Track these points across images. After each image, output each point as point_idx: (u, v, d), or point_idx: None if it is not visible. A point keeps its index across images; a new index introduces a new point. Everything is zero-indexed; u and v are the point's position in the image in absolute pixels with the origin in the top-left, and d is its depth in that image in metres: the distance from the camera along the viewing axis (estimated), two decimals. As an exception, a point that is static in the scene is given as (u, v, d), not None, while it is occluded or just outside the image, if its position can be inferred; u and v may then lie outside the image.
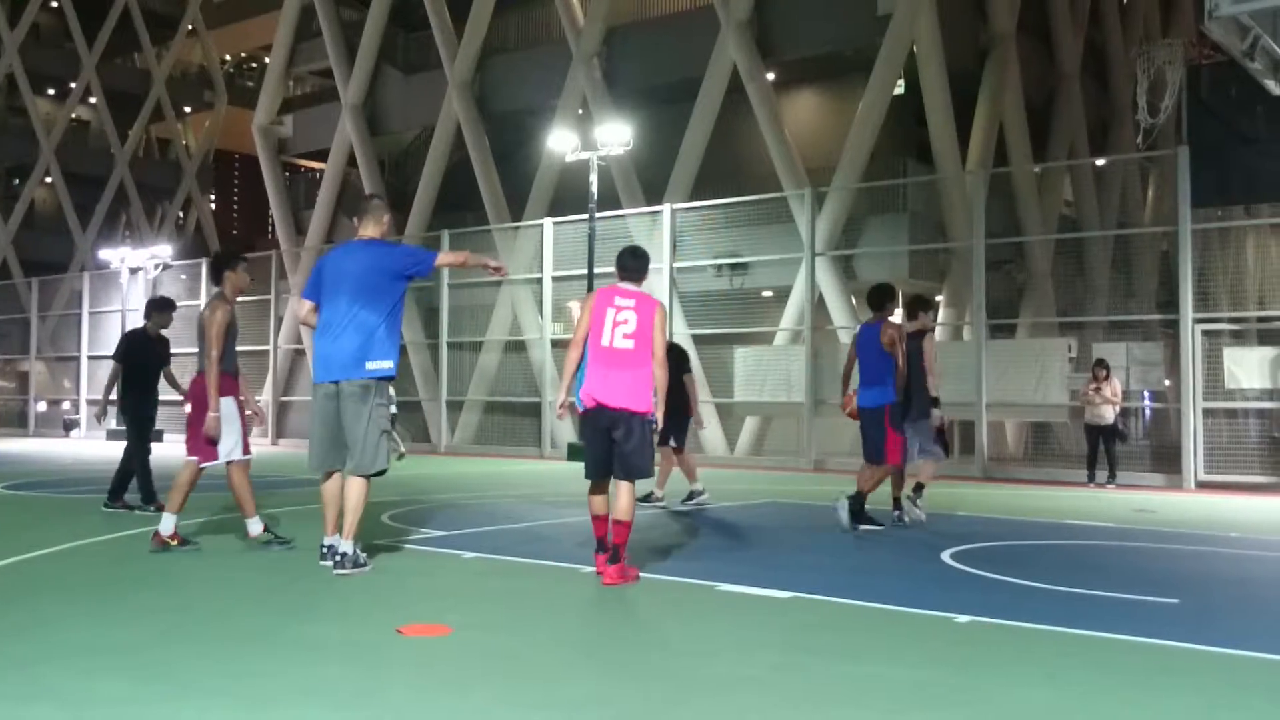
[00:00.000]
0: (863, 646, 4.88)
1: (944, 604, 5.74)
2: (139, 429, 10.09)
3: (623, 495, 6.44)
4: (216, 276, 7.63)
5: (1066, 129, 27.30)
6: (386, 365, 6.55)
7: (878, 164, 22.43)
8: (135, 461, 10.02)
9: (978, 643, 4.99)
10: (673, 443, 11.20)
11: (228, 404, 7.38)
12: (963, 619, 5.36)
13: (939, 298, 23.16)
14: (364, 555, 6.60)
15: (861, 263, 22.28)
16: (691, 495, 11.28)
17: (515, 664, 4.48)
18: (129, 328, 29.09)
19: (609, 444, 6.45)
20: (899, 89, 23.18)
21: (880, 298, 9.41)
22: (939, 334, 22.25)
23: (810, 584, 6.36)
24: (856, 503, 9.06)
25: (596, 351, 6.46)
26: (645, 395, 6.44)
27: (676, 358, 10.95)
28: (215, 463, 7.40)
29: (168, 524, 7.34)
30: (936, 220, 22.52)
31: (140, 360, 10.09)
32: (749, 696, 4.02)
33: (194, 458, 7.39)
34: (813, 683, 4.23)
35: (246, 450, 7.53)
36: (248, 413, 7.60)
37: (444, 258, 6.75)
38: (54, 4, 47.94)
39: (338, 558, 6.48)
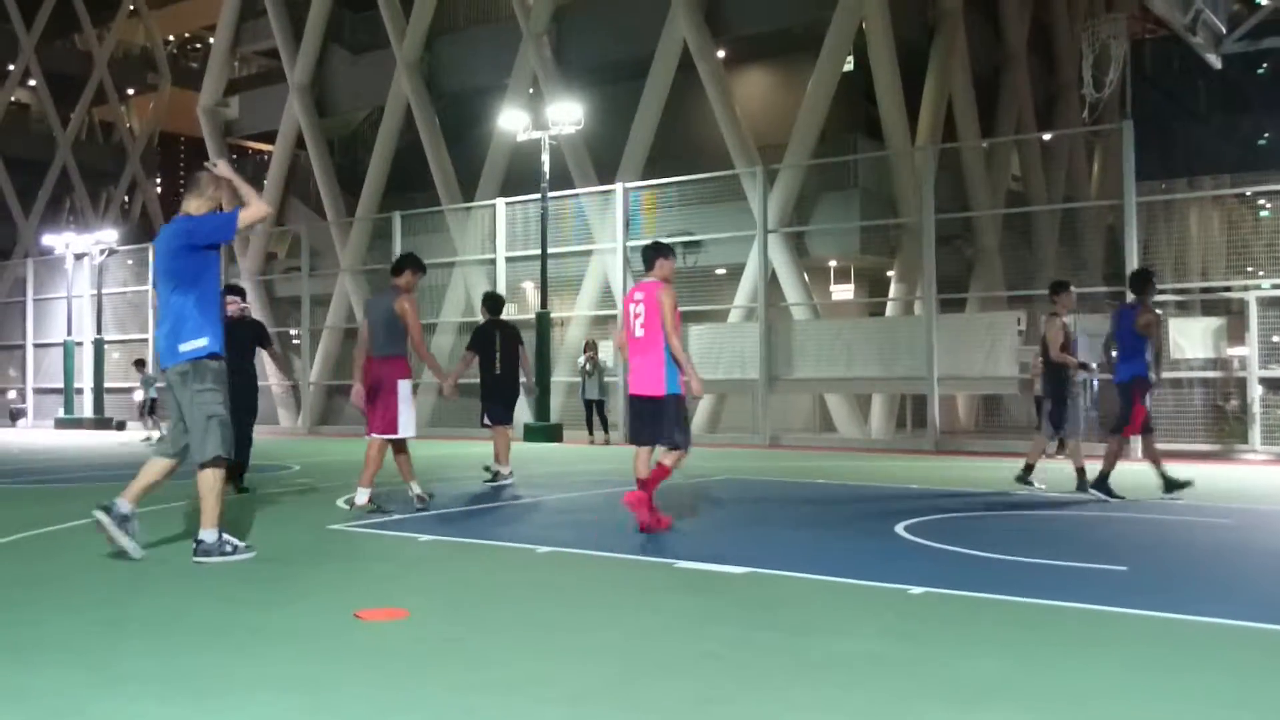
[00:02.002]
0: (818, 620, 4.93)
1: (898, 576, 5.80)
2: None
3: (661, 457, 7.60)
4: (397, 273, 8.94)
5: (1014, 104, 27.56)
6: (200, 344, 6.24)
7: (828, 141, 22.53)
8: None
9: (931, 614, 5.05)
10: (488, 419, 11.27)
11: (406, 386, 8.63)
12: (916, 590, 5.43)
13: (890, 273, 23.36)
14: (236, 543, 6.40)
15: (813, 239, 22.39)
16: (496, 476, 11.05)
17: (472, 646, 4.48)
18: (73, 314, 28.84)
19: (641, 418, 7.65)
20: (848, 66, 23.27)
21: (1140, 283, 10.10)
22: (890, 309, 22.47)
23: (766, 559, 6.41)
24: (1101, 477, 9.65)
25: (629, 342, 7.66)
26: (658, 378, 7.48)
27: (512, 335, 11.39)
28: (398, 436, 8.57)
29: (362, 496, 8.59)
30: (887, 196, 22.67)
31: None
32: (705, 673, 4.05)
33: (378, 433, 8.54)
34: (769, 658, 4.26)
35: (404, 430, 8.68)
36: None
37: (246, 214, 6.26)
38: (-10, -15, 46.85)
39: (194, 544, 6.33)
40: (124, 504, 6.28)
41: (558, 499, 9.88)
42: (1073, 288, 10.56)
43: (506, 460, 11.15)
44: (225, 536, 6.35)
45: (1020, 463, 10.83)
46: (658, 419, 7.51)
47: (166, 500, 9.22)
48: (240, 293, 11.13)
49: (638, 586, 5.80)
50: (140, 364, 22.94)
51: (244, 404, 10.56)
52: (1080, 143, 30.36)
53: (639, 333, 7.53)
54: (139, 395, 22.05)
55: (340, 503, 9.27)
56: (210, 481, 6.29)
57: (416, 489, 8.98)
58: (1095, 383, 15.28)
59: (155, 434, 20.15)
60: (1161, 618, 4.93)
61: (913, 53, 23.23)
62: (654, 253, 7.76)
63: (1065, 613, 5.00)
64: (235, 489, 10.41)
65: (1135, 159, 15.66)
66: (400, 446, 8.87)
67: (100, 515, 6.23)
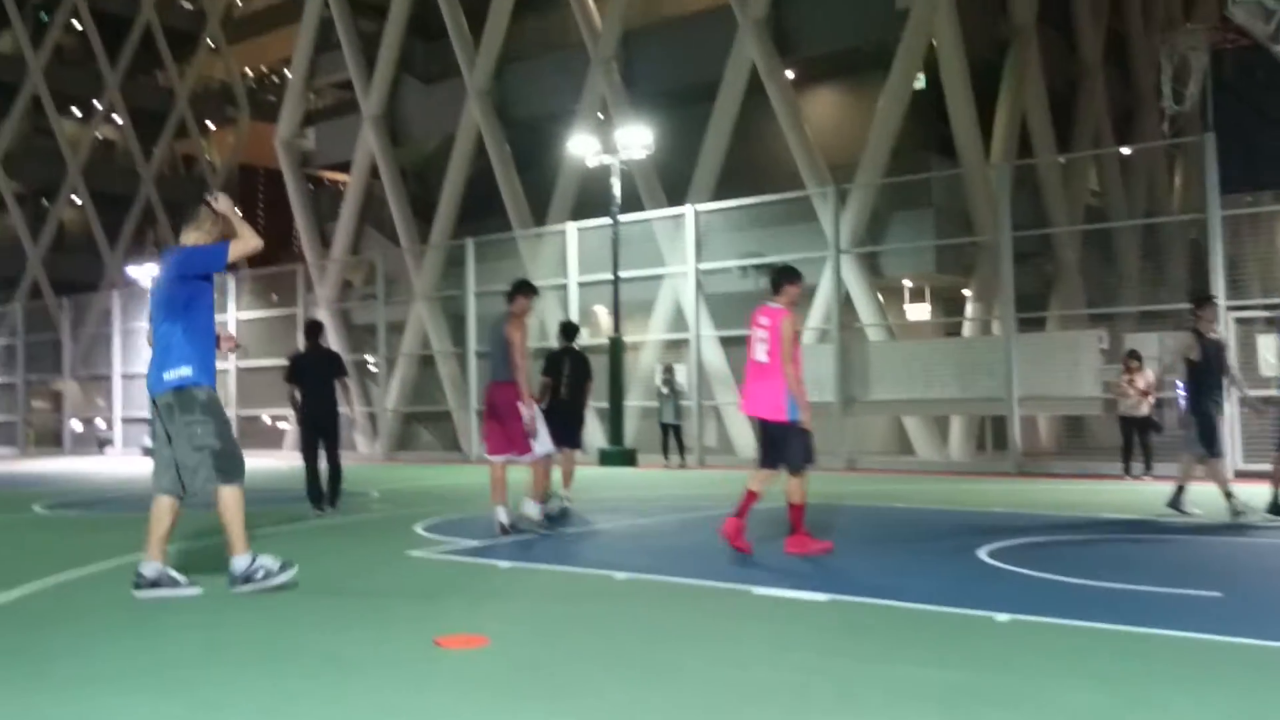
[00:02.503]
0: (901, 648, 4.84)
1: (983, 602, 5.68)
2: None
3: (787, 483, 7.68)
4: (511, 299, 9.09)
5: (1091, 119, 27.10)
6: (183, 372, 6.13)
7: (900, 159, 22.33)
8: (323, 466, 11.16)
9: (1019, 642, 4.93)
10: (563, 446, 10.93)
11: (526, 408, 8.85)
12: (1003, 617, 5.30)
13: (966, 292, 23.06)
14: (269, 566, 6.30)
15: (887, 259, 22.18)
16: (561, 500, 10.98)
17: (553, 673, 4.46)
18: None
19: (762, 441, 7.80)
20: (919, 83, 23.07)
21: None
22: (966, 329, 22.16)
23: (847, 586, 6.32)
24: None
25: (749, 364, 7.71)
26: (779, 404, 7.50)
27: (582, 364, 11.32)
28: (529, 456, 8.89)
29: (532, 509, 9.01)
30: (962, 214, 22.40)
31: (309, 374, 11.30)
32: (786, 702, 3.99)
33: (499, 455, 8.91)
34: (851, 686, 4.19)
35: (560, 446, 9.34)
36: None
37: (237, 246, 6.24)
38: (76, 24, 48.42)
39: (234, 574, 6.24)
40: (150, 567, 6.21)
41: (634, 524, 9.85)
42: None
43: (566, 484, 11.20)
44: (258, 561, 6.26)
45: (1104, 484, 10.56)
46: (780, 445, 7.63)
47: (217, 534, 9.35)
48: (318, 329, 11.82)
49: (717, 614, 5.75)
50: None
51: (326, 429, 11.17)
52: (1161, 156, 29.75)
53: (762, 358, 7.59)
54: None
55: (514, 517, 9.25)
56: (231, 504, 6.20)
57: (530, 507, 9.24)
58: (1182, 403, 14.88)
59: None
60: (1260, 645, 4.76)
61: (985, 68, 22.98)
62: (782, 277, 7.81)
63: (1158, 641, 4.86)
64: (315, 509, 10.98)
65: (1218, 171, 15.29)
66: (536, 465, 9.20)
67: (141, 594, 6.15)
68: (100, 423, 33.49)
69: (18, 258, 46.40)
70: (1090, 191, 27.65)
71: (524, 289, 9.25)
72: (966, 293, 23.35)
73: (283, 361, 12.61)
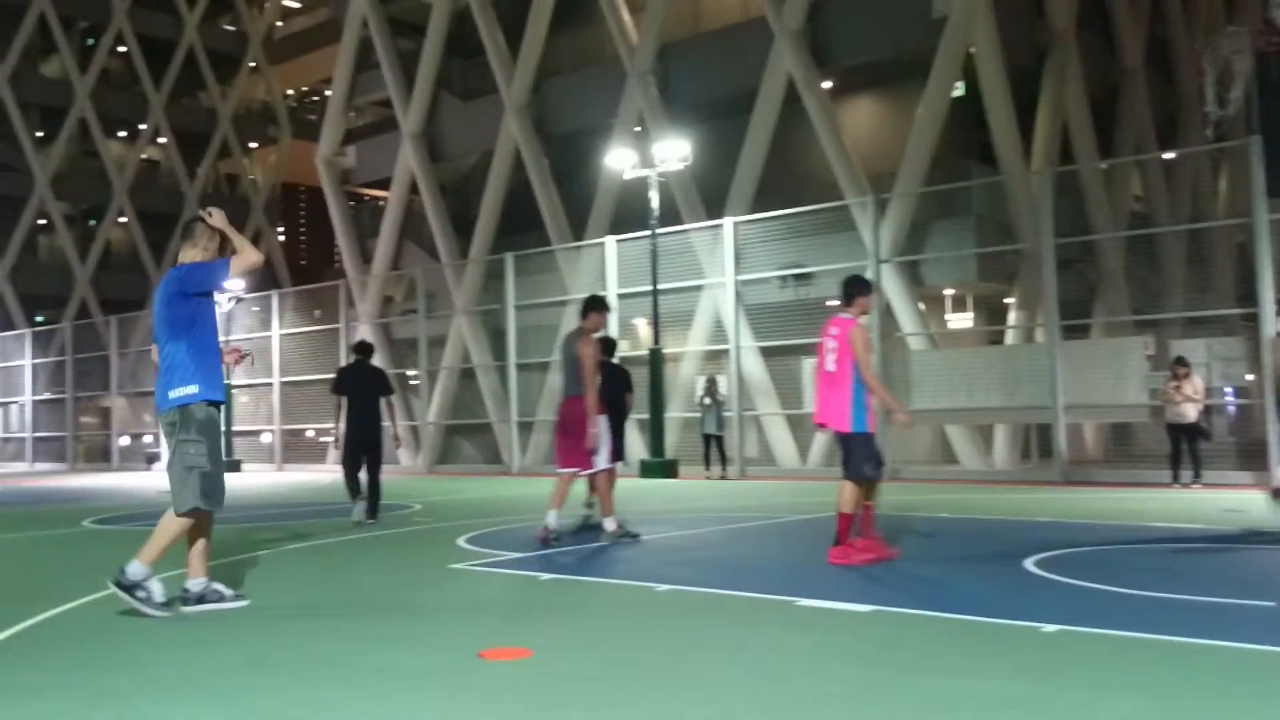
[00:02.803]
0: (947, 659, 4.79)
1: (1029, 613, 5.62)
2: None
3: (840, 490, 7.69)
4: (584, 315, 9.29)
5: (1133, 124, 26.82)
6: (190, 390, 6.15)
7: (940, 168, 22.21)
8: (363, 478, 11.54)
9: (1066, 652, 4.86)
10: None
11: (602, 421, 9.09)
12: (1050, 628, 5.24)
13: (1008, 300, 22.89)
14: (151, 590, 6.10)
15: (928, 268, 22.04)
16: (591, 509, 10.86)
17: (596, 685, 4.46)
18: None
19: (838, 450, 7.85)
20: (958, 91, 22.94)
21: None
22: (1010, 337, 21.96)
23: (891, 597, 6.27)
24: None
25: (819, 374, 7.81)
26: (845, 415, 7.60)
27: (622, 377, 11.38)
28: (590, 471, 9.15)
29: (610, 524, 9.24)
30: (1003, 222, 22.23)
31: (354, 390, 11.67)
32: (830, 714, 3.96)
33: (568, 468, 9.08)
34: (895, 698, 4.16)
35: (613, 459, 9.39)
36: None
37: (239, 261, 6.23)
38: (122, 48, 49.25)
39: (121, 577, 6.09)
40: (195, 584, 6.24)
41: (675, 536, 9.84)
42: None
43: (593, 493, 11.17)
44: (143, 581, 6.09)
45: (1152, 493, 10.41)
46: (846, 454, 7.73)
47: (284, 543, 9.44)
48: (367, 349, 12.16)
49: (759, 624, 5.72)
50: None
51: (370, 443, 11.51)
52: (1205, 160, 29.37)
53: (830, 367, 7.67)
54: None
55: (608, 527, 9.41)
56: (171, 526, 6.16)
57: (609, 524, 9.39)
58: (1232, 409, 14.69)
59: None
60: (1317, 656, 4.67)
61: (1024, 75, 22.81)
62: (853, 288, 7.84)
63: (1209, 651, 4.78)
64: (365, 517, 11.29)
65: (1265, 175, 15.07)
66: (598, 478, 9.36)
67: (187, 609, 6.16)
68: (147, 438, 33.93)
69: (66, 278, 47.20)
70: (1134, 196, 27.34)
71: (597, 305, 9.33)
72: (1009, 301, 23.15)
73: (325, 376, 12.78)
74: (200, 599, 6.21)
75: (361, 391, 11.57)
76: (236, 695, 4.38)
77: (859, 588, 6.66)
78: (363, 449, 11.51)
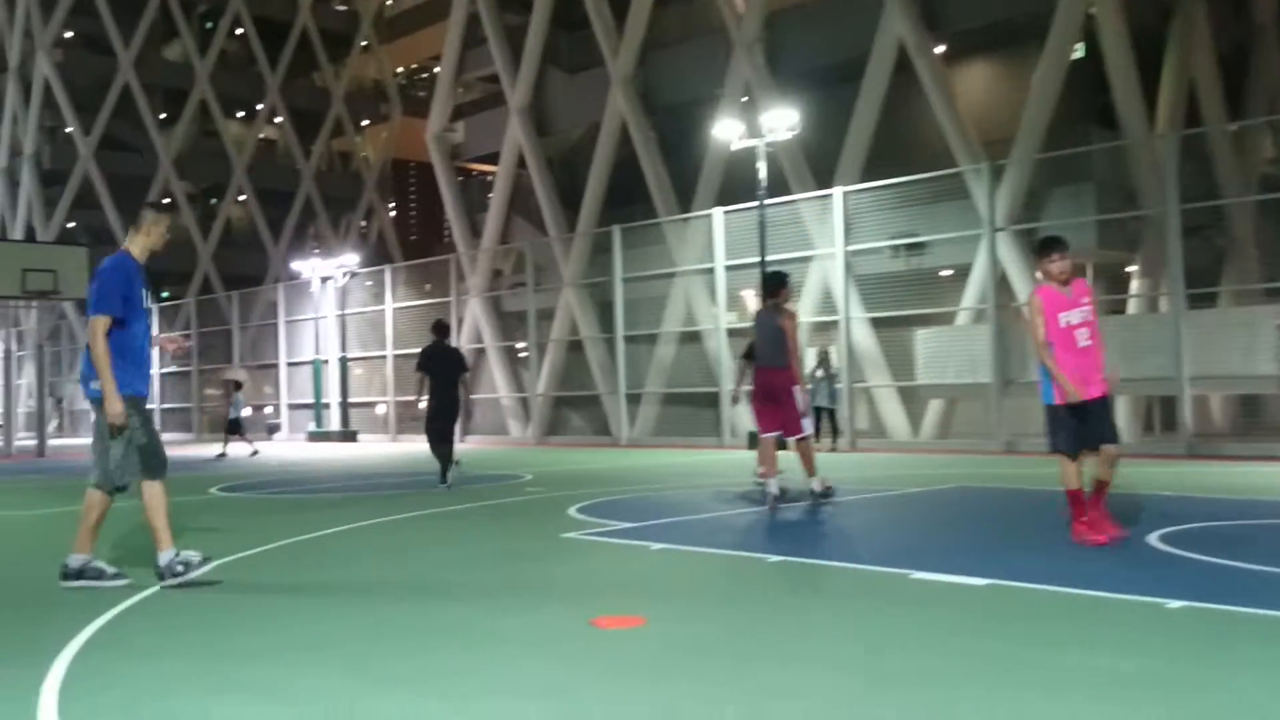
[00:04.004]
0: (1062, 634, 4.68)
1: (1152, 589, 5.45)
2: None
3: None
4: (770, 292, 9.95)
5: (1264, 83, 25.60)
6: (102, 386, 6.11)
7: (1058, 133, 21.51)
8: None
9: (1191, 630, 4.71)
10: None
11: (799, 391, 9.69)
12: (1174, 604, 5.08)
13: (1131, 268, 22.19)
14: (104, 568, 6.23)
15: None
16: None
17: (707, 655, 4.47)
18: (319, 334, 30.77)
19: None
20: (1077, 53, 22.19)
21: None
22: (1132, 306, 21.27)
23: (1008, 571, 6.14)
24: None
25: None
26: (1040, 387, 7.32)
27: None
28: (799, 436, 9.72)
29: (774, 486, 9.52)
30: (1125, 188, 21.47)
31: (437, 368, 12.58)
32: (943, 687, 3.90)
33: (772, 433, 9.71)
34: (1011, 672, 4.08)
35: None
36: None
37: (95, 340, 6.02)
38: (239, 31, 50.59)
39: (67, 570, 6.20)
40: (163, 555, 6.22)
41: (786, 508, 9.78)
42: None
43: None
44: (95, 563, 6.20)
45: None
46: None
47: (399, 512, 9.64)
48: (445, 329, 13.17)
49: (873, 597, 5.66)
50: (237, 385, 23.92)
51: (451, 415, 12.66)
52: (1342, 119, 27.94)
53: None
54: (232, 413, 22.99)
55: (767, 485, 9.72)
56: (90, 502, 6.18)
57: (816, 484, 9.80)
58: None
59: (251, 447, 22.70)
60: None
61: (1148, 34, 21.95)
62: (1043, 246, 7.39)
63: (1351, 631, 4.57)
64: (442, 478, 12.28)
65: None
66: (803, 443, 9.88)
67: (65, 584, 6.15)
68: (268, 409, 35.01)
69: (190, 254, 48.80)
70: (1266, 159, 26.16)
71: (783, 280, 10.06)
72: (1131, 269, 22.41)
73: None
74: (79, 574, 6.19)
75: (442, 369, 12.50)
76: (356, 659, 4.49)
77: (975, 562, 6.54)
78: (441, 418, 12.49)
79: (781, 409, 9.68)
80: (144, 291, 6.31)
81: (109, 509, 6.27)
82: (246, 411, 23.67)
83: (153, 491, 6.21)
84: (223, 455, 21.79)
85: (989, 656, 4.32)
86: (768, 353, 9.78)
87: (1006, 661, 4.24)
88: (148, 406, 6.33)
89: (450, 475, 12.37)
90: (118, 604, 5.64)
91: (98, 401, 6.11)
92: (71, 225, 47.42)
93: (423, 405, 12.57)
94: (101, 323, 6.03)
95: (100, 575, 6.21)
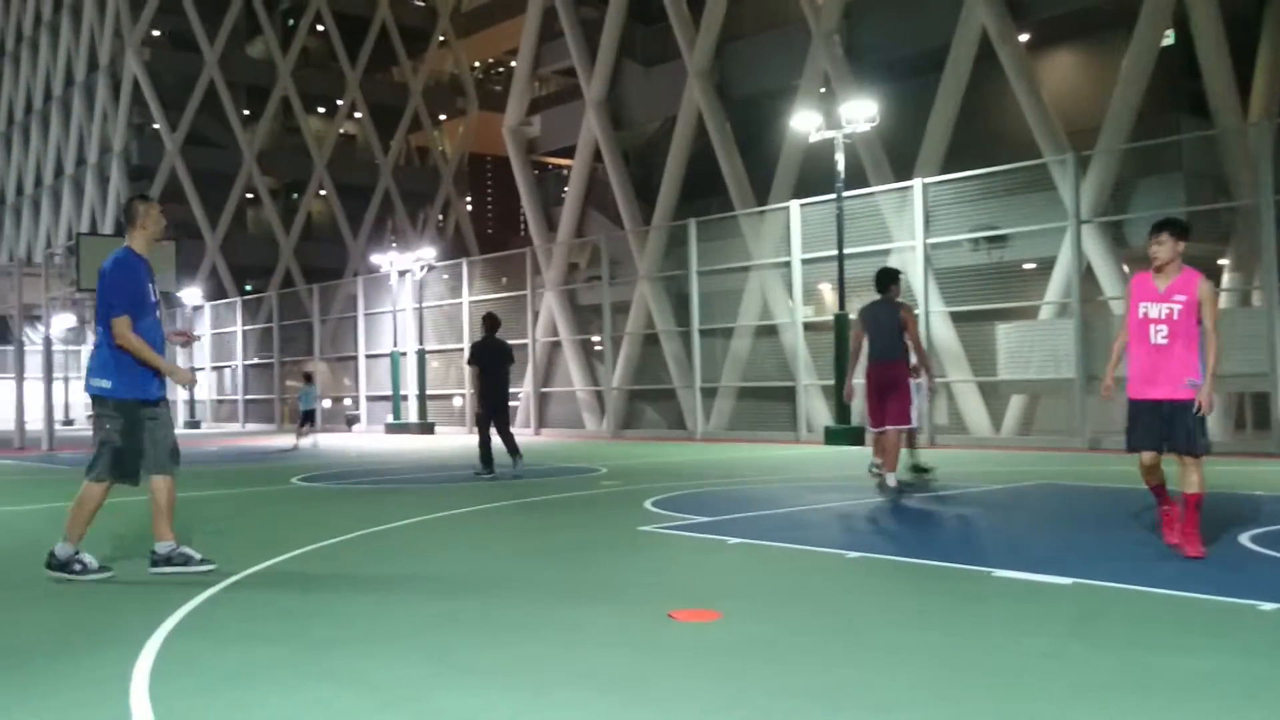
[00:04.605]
0: (1147, 635, 4.56)
1: (1245, 590, 5.28)
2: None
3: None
4: (883, 287, 10.05)
5: (1364, 68, 24.71)
6: (104, 384, 6.23)
7: (1146, 122, 20.99)
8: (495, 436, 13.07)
9: (1290, 634, 4.55)
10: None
11: (912, 384, 10.04)
12: (1268, 606, 4.92)
13: (1223, 261, 21.58)
14: (87, 562, 6.22)
15: (1132, 228, 20.92)
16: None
17: (784, 650, 4.43)
18: (398, 326, 31.16)
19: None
20: (1167, 39, 21.61)
21: None
22: (1224, 300, 20.67)
23: (1093, 570, 5.99)
24: None
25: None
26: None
27: None
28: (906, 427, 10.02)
29: (892, 479, 9.71)
30: (1216, 178, 20.87)
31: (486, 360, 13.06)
32: (1024, 687, 3.82)
33: (889, 426, 9.81)
34: (1094, 673, 3.97)
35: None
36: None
37: (124, 338, 6.12)
38: (319, 28, 51.44)
39: (53, 558, 6.24)
40: (162, 546, 6.37)
41: (863, 504, 9.67)
42: None
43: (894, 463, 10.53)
44: (79, 555, 6.21)
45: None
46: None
47: (477, 503, 9.70)
48: (495, 323, 13.42)
49: (953, 595, 5.56)
50: (309, 377, 24.22)
51: (499, 408, 13.14)
52: None
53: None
54: (303, 405, 23.23)
55: (888, 479, 9.85)
56: (81, 495, 6.24)
57: (891, 479, 9.84)
58: None
59: (311, 439, 23.34)
60: None
61: (1242, 19, 21.30)
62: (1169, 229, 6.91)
63: None
64: (485, 470, 12.74)
65: None
66: (910, 434, 10.32)
67: (49, 572, 6.22)
68: (347, 401, 35.57)
69: (272, 248, 49.78)
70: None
71: (895, 275, 10.31)
72: (1223, 262, 21.79)
73: (518, 341, 13.53)
74: (63, 566, 6.22)
75: (493, 362, 12.97)
76: (432, 649, 4.52)
77: (1060, 561, 6.40)
78: (495, 412, 13.04)
79: (895, 400, 9.79)
80: (151, 286, 6.38)
81: (174, 495, 6.48)
82: (326, 404, 24.06)
83: (93, 492, 6.22)
84: (295, 448, 22.18)
85: (1072, 656, 4.21)
86: (883, 346, 9.87)
87: (1092, 661, 4.13)
88: (158, 407, 6.37)
89: (513, 455, 12.94)
90: (203, 592, 5.76)
91: (97, 399, 6.29)
92: (159, 220, 48.70)
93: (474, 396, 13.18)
94: (122, 322, 6.15)
95: (187, 561, 6.34)
